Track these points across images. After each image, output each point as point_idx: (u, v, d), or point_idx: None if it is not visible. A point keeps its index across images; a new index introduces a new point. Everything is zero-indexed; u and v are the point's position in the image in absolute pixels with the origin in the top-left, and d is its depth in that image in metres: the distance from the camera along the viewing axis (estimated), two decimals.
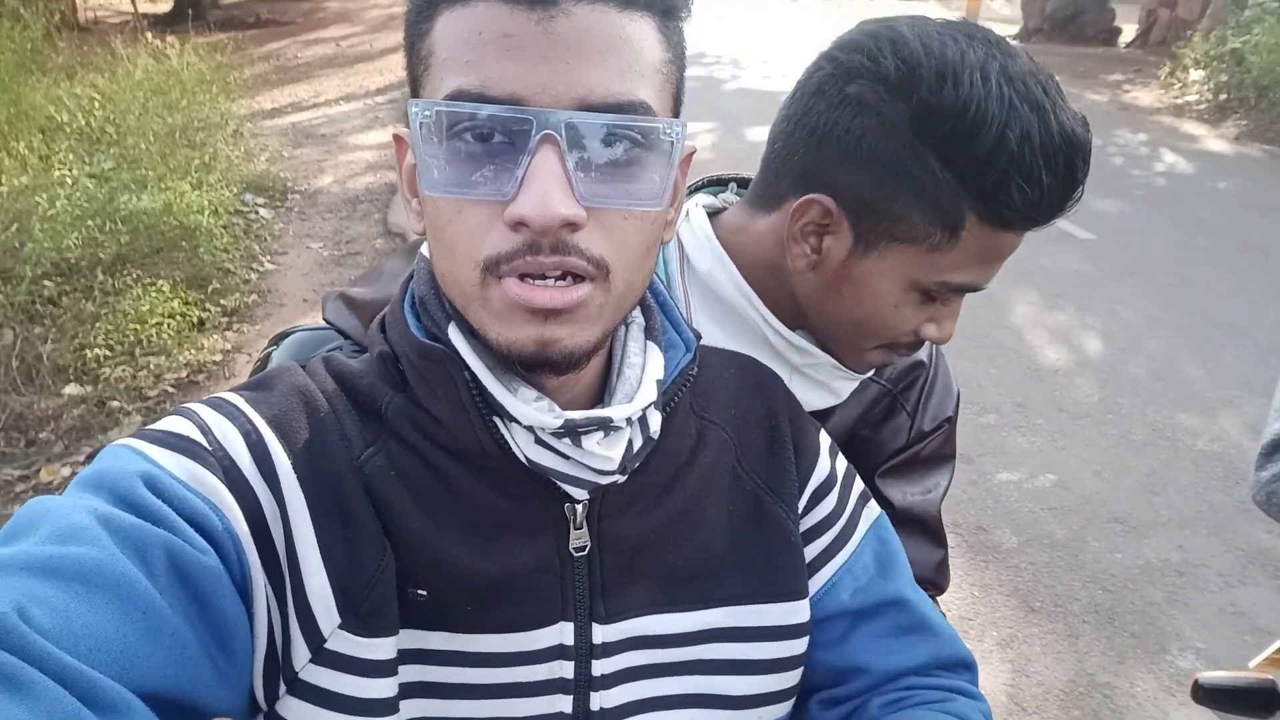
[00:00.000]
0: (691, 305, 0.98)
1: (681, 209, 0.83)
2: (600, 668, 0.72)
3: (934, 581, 1.10)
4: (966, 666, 0.87)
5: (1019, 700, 2.58)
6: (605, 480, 0.69)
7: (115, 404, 3.69)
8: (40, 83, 6.78)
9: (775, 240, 0.94)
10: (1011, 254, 0.90)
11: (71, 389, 3.76)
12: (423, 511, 0.69)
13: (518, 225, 0.59)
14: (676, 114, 0.68)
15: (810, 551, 0.83)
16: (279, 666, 0.65)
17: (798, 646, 0.79)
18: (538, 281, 0.61)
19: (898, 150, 0.84)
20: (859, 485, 0.89)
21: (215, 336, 4.39)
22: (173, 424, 0.65)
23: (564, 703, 0.72)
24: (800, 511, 0.83)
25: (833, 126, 0.86)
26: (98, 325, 4.12)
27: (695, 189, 1.08)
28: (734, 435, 0.82)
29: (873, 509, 0.89)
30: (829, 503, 0.84)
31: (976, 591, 3.00)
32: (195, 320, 4.42)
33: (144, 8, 14.14)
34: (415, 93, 0.66)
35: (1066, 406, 4.15)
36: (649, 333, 0.76)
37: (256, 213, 6.10)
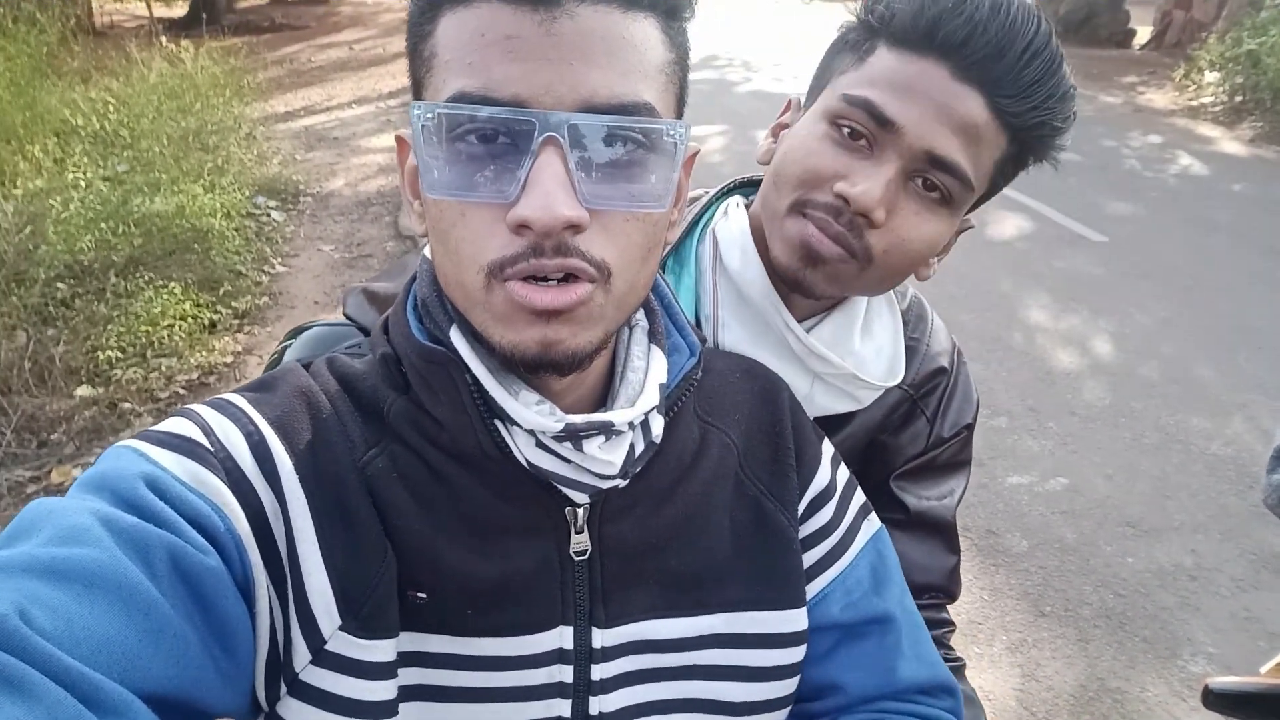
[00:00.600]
0: (719, 303, 0.98)
1: (684, 209, 0.83)
2: (599, 672, 0.72)
3: (946, 589, 1.10)
4: (948, 691, 0.86)
5: (1028, 705, 2.56)
6: (606, 484, 0.69)
7: (127, 405, 3.71)
8: (55, 86, 6.84)
9: None
10: (926, 92, 0.86)
11: (83, 390, 3.78)
12: (424, 514, 0.69)
13: (520, 228, 0.59)
14: (680, 114, 0.68)
15: (806, 560, 0.83)
16: (280, 667, 0.66)
17: (796, 654, 0.79)
18: (540, 283, 0.61)
19: (844, 31, 0.95)
20: (859, 498, 0.89)
21: (226, 338, 4.40)
22: (175, 425, 0.66)
23: (563, 707, 0.72)
24: (799, 518, 0.83)
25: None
26: (110, 327, 4.14)
27: (729, 190, 1.08)
28: (738, 440, 0.81)
29: (873, 522, 0.88)
30: (826, 512, 0.84)
31: (986, 595, 2.98)
32: (207, 322, 4.44)
33: (159, 12, 14.23)
34: (418, 94, 0.66)
35: (1078, 409, 4.13)
36: (653, 336, 0.76)
37: (268, 215, 6.12)
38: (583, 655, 0.72)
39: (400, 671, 0.68)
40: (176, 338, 4.19)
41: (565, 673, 0.71)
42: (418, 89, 0.66)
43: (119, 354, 3.98)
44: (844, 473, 0.88)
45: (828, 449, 0.88)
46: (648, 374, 0.72)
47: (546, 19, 0.58)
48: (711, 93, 10.46)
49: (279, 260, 5.46)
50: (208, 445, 0.64)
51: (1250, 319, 5.09)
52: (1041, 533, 3.29)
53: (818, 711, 0.83)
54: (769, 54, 13.62)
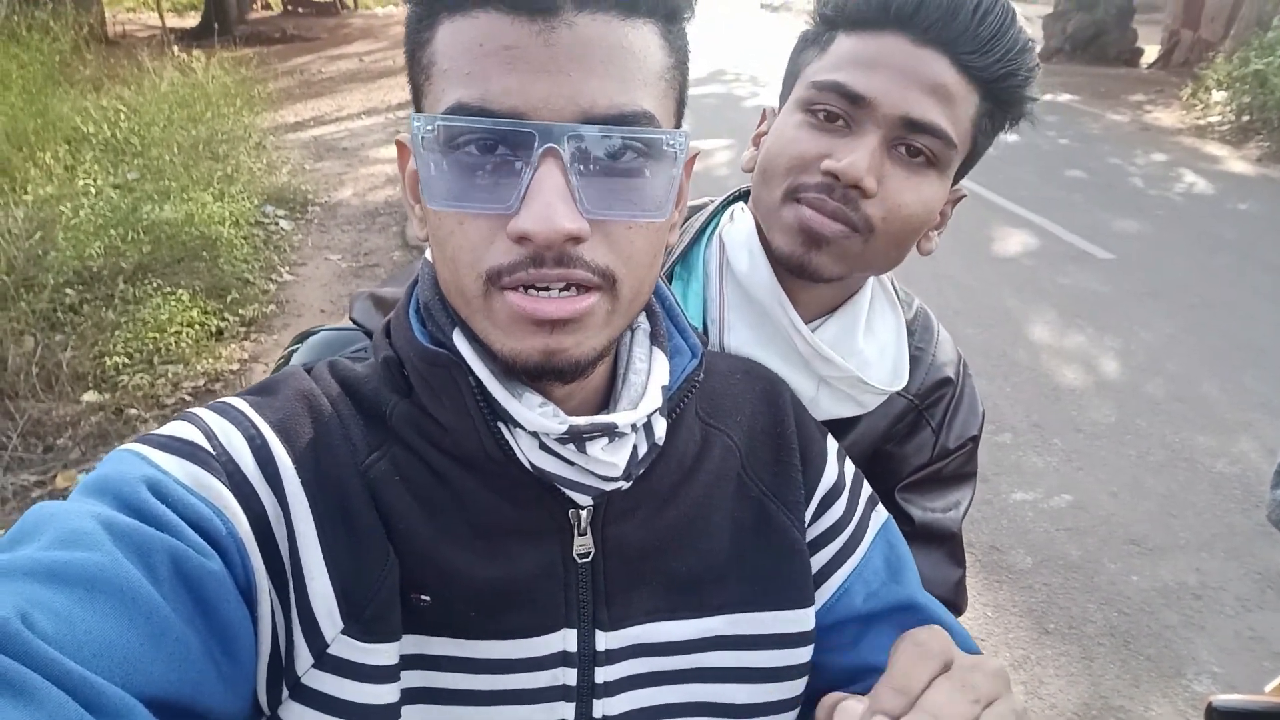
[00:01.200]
0: (726, 305, 0.99)
1: (684, 212, 0.83)
2: (603, 675, 0.72)
3: (952, 601, 1.09)
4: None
5: None
6: (610, 487, 0.69)
7: (133, 411, 3.72)
8: (68, 94, 6.90)
9: None
10: (890, 62, 0.88)
11: (90, 396, 3.79)
12: (427, 517, 0.69)
13: (521, 239, 0.59)
14: (680, 116, 0.68)
15: (821, 558, 0.83)
16: (282, 671, 0.65)
17: (801, 655, 0.79)
18: (542, 293, 0.61)
19: (804, 32, 0.98)
20: (866, 489, 0.89)
21: (233, 346, 4.42)
22: (177, 429, 0.66)
23: (566, 710, 0.71)
24: (809, 519, 0.82)
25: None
26: (117, 333, 4.16)
27: (734, 198, 1.09)
28: (740, 442, 0.81)
29: (880, 512, 0.88)
30: (838, 508, 0.84)
31: (990, 611, 2.97)
32: (214, 329, 4.46)
33: (172, 22, 14.35)
34: (417, 100, 0.66)
35: (1084, 427, 4.12)
36: (654, 339, 0.76)
37: (277, 224, 6.16)
38: (586, 658, 0.72)
39: (403, 674, 0.68)
40: (184, 344, 4.21)
41: (569, 675, 0.71)
42: (416, 95, 0.66)
43: (126, 360, 4.00)
44: (850, 466, 0.88)
45: (832, 444, 0.88)
46: (650, 376, 0.72)
47: (545, 29, 0.58)
48: (718, 106, 10.50)
49: (286, 269, 5.49)
50: (209, 449, 0.64)
51: (1256, 337, 5.07)
52: (1046, 549, 3.27)
53: (858, 694, 0.82)
54: (776, 69, 13.67)
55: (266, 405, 0.70)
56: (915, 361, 1.07)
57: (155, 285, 4.56)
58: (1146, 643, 2.84)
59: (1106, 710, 2.59)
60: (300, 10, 18.09)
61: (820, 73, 0.92)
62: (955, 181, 0.98)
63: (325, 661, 0.65)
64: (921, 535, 1.05)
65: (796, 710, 0.80)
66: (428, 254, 0.73)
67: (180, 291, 4.51)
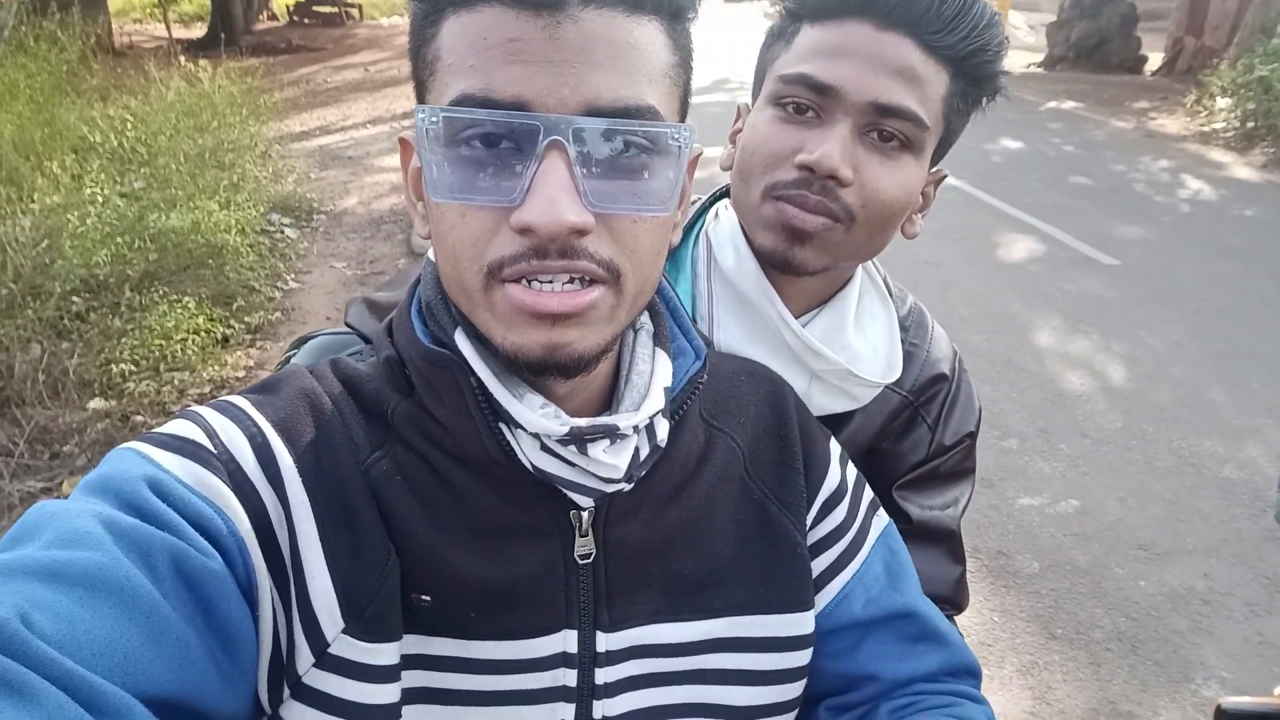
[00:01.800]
0: (715, 302, 0.98)
1: (688, 211, 0.83)
2: (603, 676, 0.72)
3: (952, 599, 1.08)
4: (972, 673, 0.87)
5: None
6: (611, 488, 0.68)
7: (139, 418, 3.73)
8: (75, 104, 6.93)
9: None
10: (855, 49, 0.88)
11: (96, 403, 3.80)
12: (428, 517, 0.69)
13: (525, 231, 0.59)
14: (684, 115, 0.68)
15: (822, 562, 0.82)
16: (283, 670, 0.65)
17: (801, 658, 0.78)
18: (545, 286, 0.60)
19: (770, 27, 0.98)
20: (868, 494, 0.88)
21: (239, 353, 4.43)
22: (178, 427, 0.65)
23: (567, 711, 0.71)
24: (810, 522, 0.82)
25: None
26: (124, 341, 4.16)
27: (718, 196, 1.09)
28: (743, 444, 0.81)
29: (882, 517, 0.88)
30: (840, 513, 0.84)
31: (997, 617, 2.95)
32: (220, 337, 4.47)
33: (179, 33, 14.43)
34: (421, 97, 0.66)
35: (1090, 432, 4.10)
36: (658, 339, 0.76)
37: (282, 232, 6.17)
38: (586, 659, 0.71)
39: (404, 674, 0.68)
40: (189, 352, 4.21)
41: (569, 676, 0.71)
42: (421, 92, 0.66)
43: (132, 367, 4.01)
44: (852, 470, 0.88)
45: (835, 448, 0.87)
46: (652, 377, 0.72)
47: (550, 23, 0.58)
48: (722, 114, 10.46)
49: (292, 276, 5.50)
50: (210, 447, 0.64)
51: (1262, 343, 5.06)
52: (1053, 555, 3.26)
53: (854, 702, 0.83)
54: None
55: (268, 404, 0.69)
56: (909, 358, 1.06)
57: (161, 293, 4.57)
58: (1154, 648, 2.83)
59: (1115, 715, 2.58)
60: (306, 21, 18.17)
61: (787, 66, 0.92)
62: (934, 163, 0.98)
63: (326, 661, 0.65)
64: (920, 533, 1.04)
65: (795, 712, 0.80)
66: (430, 254, 0.73)
67: (186, 299, 4.52)
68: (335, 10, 18.30)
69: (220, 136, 7.26)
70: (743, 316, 0.98)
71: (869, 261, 1.08)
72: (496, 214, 0.60)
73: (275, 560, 0.64)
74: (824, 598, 0.82)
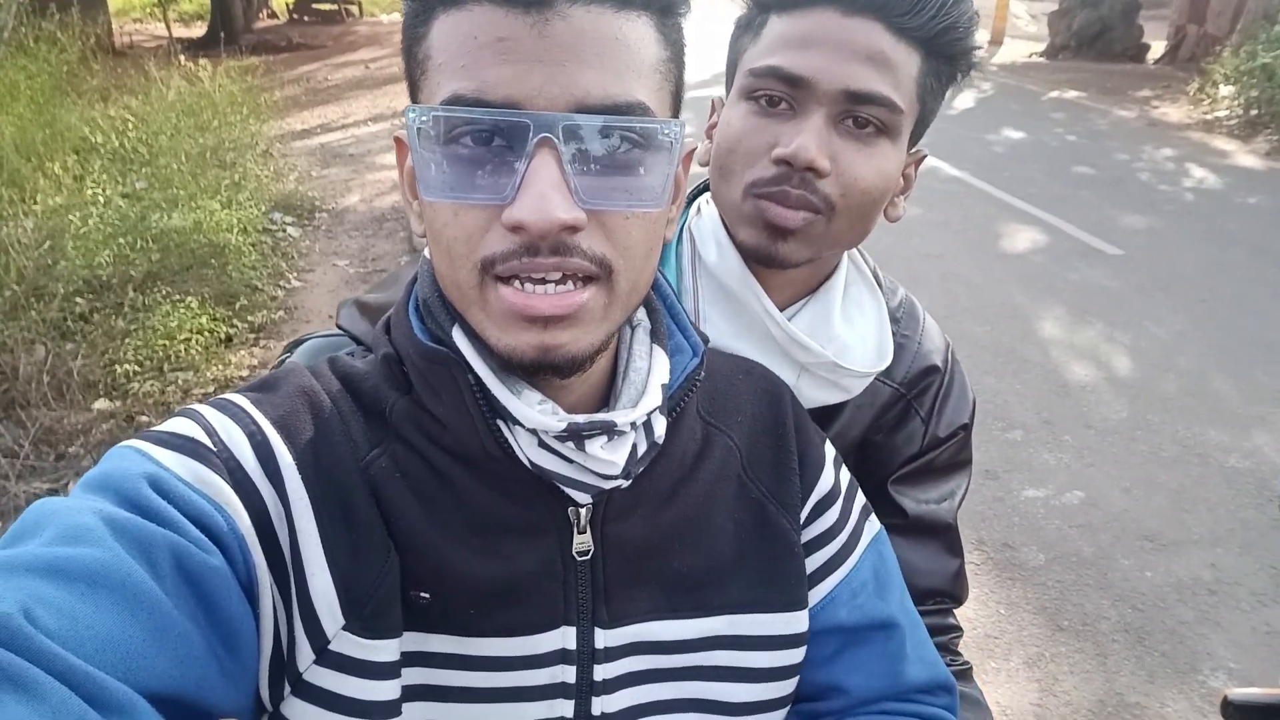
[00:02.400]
0: (700, 298, 0.98)
1: (682, 206, 0.83)
2: (602, 672, 0.72)
3: (951, 593, 1.08)
4: (946, 689, 0.87)
5: None
6: (608, 485, 0.68)
7: (144, 419, 3.74)
8: (75, 104, 6.95)
9: None
10: (824, 38, 0.87)
11: (101, 404, 3.81)
12: (427, 514, 0.69)
13: (516, 228, 0.59)
14: (677, 111, 0.68)
15: (812, 563, 0.82)
16: (284, 667, 0.65)
17: (795, 655, 0.79)
18: (537, 288, 0.61)
19: (738, 19, 0.97)
20: (861, 499, 0.88)
21: (242, 352, 4.43)
22: (177, 425, 0.66)
23: (565, 707, 0.71)
24: (802, 522, 0.82)
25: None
26: (127, 341, 4.18)
27: (699, 191, 1.08)
28: (741, 442, 0.81)
29: (873, 524, 0.88)
30: (831, 515, 0.84)
31: (1003, 609, 2.95)
32: (223, 336, 4.48)
33: (179, 32, 14.44)
34: (414, 96, 0.66)
35: (1095, 423, 4.09)
36: (655, 336, 0.76)
37: (284, 231, 6.18)
38: (585, 656, 0.71)
39: (404, 671, 0.68)
40: (193, 351, 4.22)
41: (568, 673, 0.71)
42: (413, 91, 0.66)
43: (136, 367, 4.02)
44: (846, 474, 0.88)
45: (830, 450, 0.87)
46: (650, 374, 0.72)
47: (539, 20, 0.59)
48: None
49: (294, 275, 5.51)
50: (210, 445, 0.64)
51: (1267, 332, 5.04)
52: (1058, 546, 3.26)
53: (821, 711, 0.83)
54: None
55: (267, 401, 0.70)
56: (901, 349, 1.06)
57: (164, 293, 4.58)
58: (1161, 639, 2.82)
59: (1122, 707, 2.58)
60: (306, 19, 18.17)
61: (756, 59, 0.91)
62: (913, 143, 0.97)
63: (326, 658, 0.65)
64: (917, 528, 1.04)
65: (787, 708, 0.81)
66: (427, 252, 0.73)
67: (189, 299, 4.53)
68: (335, 7, 18.29)
69: (221, 135, 7.27)
70: (728, 310, 0.98)
71: (857, 252, 1.07)
72: (489, 211, 0.61)
73: (275, 557, 0.64)
74: (811, 599, 0.82)
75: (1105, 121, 10.72)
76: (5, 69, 6.44)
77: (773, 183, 0.89)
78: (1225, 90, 10.99)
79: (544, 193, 0.58)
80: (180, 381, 4.00)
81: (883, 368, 1.01)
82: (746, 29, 0.95)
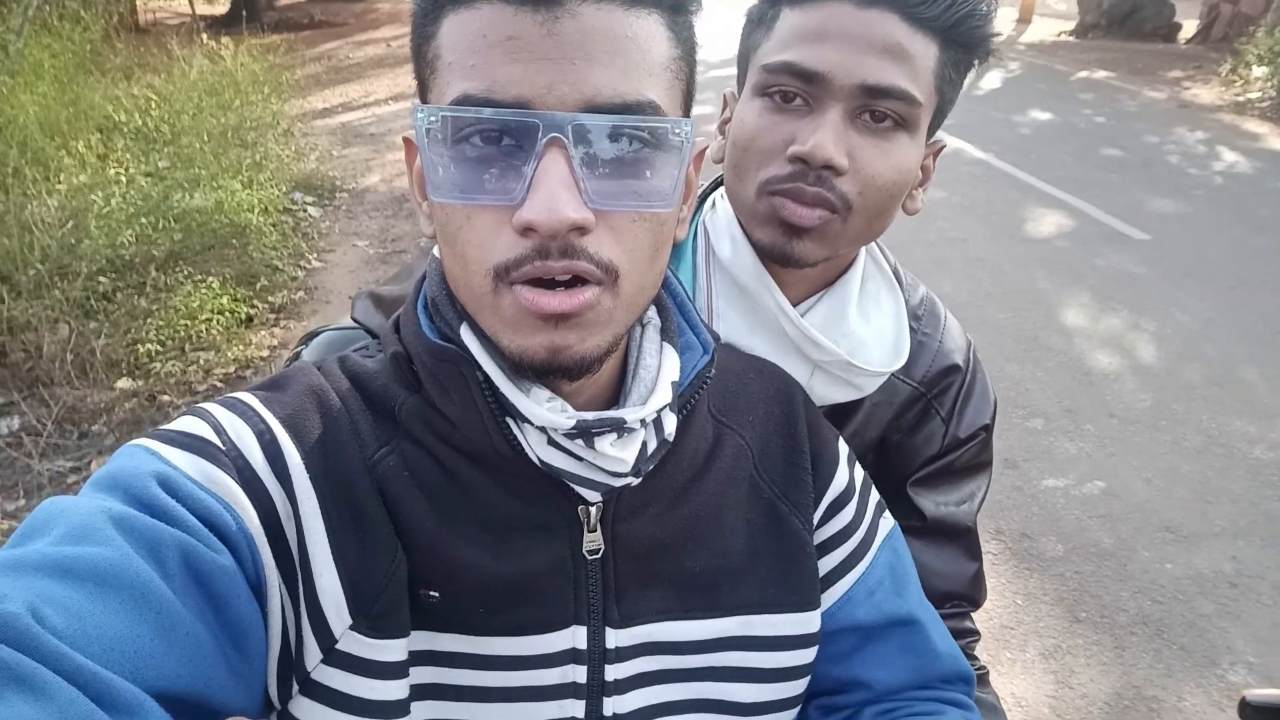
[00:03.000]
0: (714, 293, 0.97)
1: (694, 206, 0.82)
2: (613, 673, 0.72)
3: (969, 596, 1.07)
4: (965, 680, 0.87)
5: (1062, 713, 2.52)
6: (619, 482, 0.68)
7: (166, 398, 3.78)
8: (99, 83, 6.96)
9: None
10: (839, 31, 0.86)
11: (123, 383, 3.85)
12: (436, 512, 0.69)
13: (526, 230, 0.58)
14: (688, 110, 0.67)
15: (828, 563, 0.82)
16: (292, 666, 0.66)
17: (807, 656, 0.78)
18: (547, 287, 0.60)
19: (749, 12, 0.96)
20: (875, 496, 0.88)
21: (263, 332, 4.46)
22: (186, 424, 0.66)
23: (576, 707, 0.71)
24: (817, 522, 0.82)
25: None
26: (149, 321, 4.21)
27: (716, 185, 1.07)
28: (752, 441, 0.80)
29: (888, 520, 0.88)
30: (847, 514, 0.83)
31: (1020, 600, 2.94)
32: (244, 316, 4.51)
33: (201, 10, 14.47)
34: (423, 95, 0.65)
35: (1118, 412, 4.05)
36: (665, 334, 0.75)
37: (305, 211, 6.20)
38: (596, 656, 0.71)
39: (412, 671, 0.68)
40: (214, 331, 4.26)
41: (579, 673, 0.71)
42: (423, 90, 0.66)
43: (158, 347, 4.06)
44: (860, 471, 0.88)
45: (844, 448, 0.87)
46: (660, 371, 0.72)
47: (548, 19, 0.58)
48: None
49: (315, 255, 5.53)
50: (219, 444, 0.64)
51: None
52: (1077, 537, 3.23)
53: (843, 704, 0.83)
54: None
55: (275, 400, 0.70)
56: (921, 348, 1.04)
57: (186, 273, 4.62)
58: (1180, 632, 2.80)
59: (1139, 700, 2.56)
60: None
61: (770, 54, 0.89)
62: (931, 133, 0.95)
63: (334, 657, 0.65)
64: (935, 531, 1.03)
65: (798, 708, 0.81)
66: (435, 250, 0.72)
67: (211, 279, 4.56)
68: None
69: (243, 115, 7.28)
70: (742, 306, 0.96)
71: (876, 247, 1.06)
72: (499, 215, 0.60)
73: (284, 556, 0.64)
74: (828, 599, 0.82)
75: (1135, 103, 10.55)
76: (29, 47, 6.46)
77: (788, 180, 0.88)
78: (1259, 71, 10.78)
79: (553, 192, 0.57)
80: (202, 361, 4.04)
81: (898, 366, 0.99)
82: (759, 23, 0.93)
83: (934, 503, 1.04)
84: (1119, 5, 15.29)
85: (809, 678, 0.80)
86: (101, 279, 4.47)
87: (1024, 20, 17.44)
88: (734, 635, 0.75)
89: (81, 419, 3.61)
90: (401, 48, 12.68)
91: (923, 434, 1.05)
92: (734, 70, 0.99)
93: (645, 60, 0.61)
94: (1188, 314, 5.05)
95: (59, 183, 5.31)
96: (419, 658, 0.68)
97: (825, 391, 0.97)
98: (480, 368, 0.66)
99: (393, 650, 0.66)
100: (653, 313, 0.76)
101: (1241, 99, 10.52)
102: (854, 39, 0.84)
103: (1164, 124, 9.48)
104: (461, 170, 0.60)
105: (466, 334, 0.67)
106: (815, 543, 0.81)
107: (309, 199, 6.42)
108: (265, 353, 4.27)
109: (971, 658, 1.05)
